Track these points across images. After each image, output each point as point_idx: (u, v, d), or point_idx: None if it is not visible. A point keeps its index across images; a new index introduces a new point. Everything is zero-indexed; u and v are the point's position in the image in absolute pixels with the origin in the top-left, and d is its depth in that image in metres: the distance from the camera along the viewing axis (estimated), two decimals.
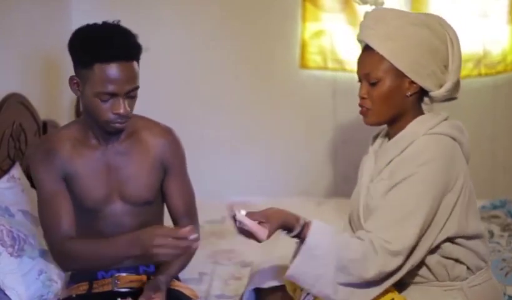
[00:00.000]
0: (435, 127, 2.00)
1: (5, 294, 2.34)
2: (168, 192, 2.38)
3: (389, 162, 2.02)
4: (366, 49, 2.03)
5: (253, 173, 4.03)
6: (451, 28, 2.04)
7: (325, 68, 3.93)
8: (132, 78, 2.12)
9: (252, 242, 3.12)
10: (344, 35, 3.87)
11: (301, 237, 1.94)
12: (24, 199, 2.66)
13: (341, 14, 3.85)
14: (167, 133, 2.35)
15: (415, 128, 2.01)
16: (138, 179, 2.29)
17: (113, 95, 2.11)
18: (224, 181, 3.96)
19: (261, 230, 1.94)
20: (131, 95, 2.14)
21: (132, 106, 2.17)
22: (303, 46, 3.92)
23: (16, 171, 2.76)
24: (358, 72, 2.05)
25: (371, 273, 1.90)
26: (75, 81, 2.16)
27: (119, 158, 2.28)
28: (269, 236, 1.94)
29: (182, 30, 3.93)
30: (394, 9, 2.07)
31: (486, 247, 2.07)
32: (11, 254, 2.38)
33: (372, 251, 1.89)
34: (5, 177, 2.70)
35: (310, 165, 3.99)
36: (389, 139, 2.10)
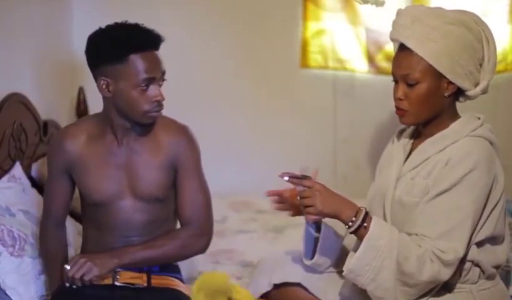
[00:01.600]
0: (477, 130, 2.00)
1: (6, 294, 2.34)
2: (178, 192, 2.38)
3: (427, 159, 2.02)
4: (403, 49, 2.01)
5: (252, 172, 4.03)
6: (486, 25, 2.02)
7: (326, 67, 3.92)
8: (161, 63, 2.26)
9: (252, 241, 3.14)
10: (345, 34, 3.86)
11: (363, 226, 1.93)
12: (25, 198, 2.67)
13: (341, 13, 3.84)
14: (181, 131, 2.38)
15: (458, 128, 2.01)
16: (149, 175, 2.31)
17: (150, 80, 2.20)
18: (224, 180, 3.95)
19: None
20: (161, 82, 2.26)
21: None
22: (304, 45, 3.91)
23: (17, 171, 2.77)
24: (394, 73, 2.03)
25: (424, 277, 1.91)
26: (104, 82, 2.20)
27: (133, 155, 2.31)
28: (316, 212, 1.97)
29: (182, 30, 3.92)
30: (428, 7, 2.05)
31: (506, 252, 2.07)
32: (12, 254, 2.38)
33: (428, 259, 1.91)
34: (6, 177, 2.70)
35: (309, 164, 3.98)
36: (420, 136, 2.10)
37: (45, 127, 3.14)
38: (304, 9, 3.87)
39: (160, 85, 2.25)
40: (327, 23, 3.87)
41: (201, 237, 2.40)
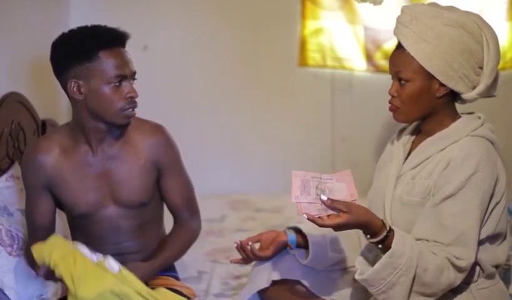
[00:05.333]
0: (478, 129, 1.99)
1: (4, 293, 2.34)
2: (165, 189, 2.40)
3: (427, 158, 2.02)
4: (399, 47, 2.01)
5: (252, 171, 4.03)
6: (489, 28, 1.99)
7: (324, 66, 3.93)
8: (131, 62, 2.23)
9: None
10: (343, 32, 3.86)
11: (385, 243, 1.91)
12: (23, 198, 2.66)
13: (340, 12, 3.84)
14: (157, 132, 2.36)
15: (459, 128, 2.00)
16: (130, 181, 2.30)
17: (123, 78, 2.18)
18: (223, 179, 3.96)
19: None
20: (132, 81, 2.23)
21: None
22: (302, 44, 3.91)
23: (15, 170, 2.76)
24: (389, 69, 2.04)
25: (442, 286, 1.92)
26: (75, 84, 2.19)
27: (110, 162, 2.29)
28: (343, 225, 1.90)
29: (180, 29, 3.93)
30: (432, 6, 2.02)
31: (506, 251, 2.06)
32: (10, 254, 2.38)
33: (445, 267, 1.91)
34: (4, 177, 2.70)
35: (308, 163, 3.98)
36: (420, 134, 2.10)
37: (43, 126, 3.13)
38: (302, 7, 3.87)
39: (131, 84, 2.23)
40: (325, 21, 3.87)
41: (199, 222, 2.47)
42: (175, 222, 2.45)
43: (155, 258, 2.34)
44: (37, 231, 2.35)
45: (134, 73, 2.23)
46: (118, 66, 2.18)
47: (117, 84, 2.18)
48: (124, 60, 2.20)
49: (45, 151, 2.29)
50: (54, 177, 2.29)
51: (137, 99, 2.23)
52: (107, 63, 2.17)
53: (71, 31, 2.23)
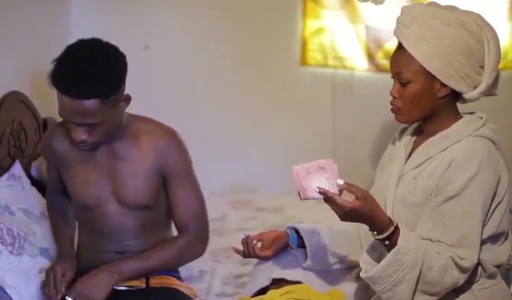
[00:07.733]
0: (479, 129, 1.99)
1: (6, 293, 2.34)
2: (171, 199, 2.35)
3: (429, 158, 2.01)
4: (400, 47, 2.00)
5: (252, 170, 4.03)
6: (490, 28, 1.98)
7: (325, 65, 3.92)
8: (85, 115, 2.07)
9: None
10: (344, 32, 3.86)
11: (391, 240, 1.91)
12: (24, 197, 2.66)
13: (341, 11, 3.83)
14: (168, 136, 2.31)
15: (460, 128, 2.00)
16: (133, 183, 2.28)
17: (69, 121, 2.12)
18: (224, 179, 3.96)
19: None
20: (91, 127, 2.11)
21: (95, 135, 2.13)
22: (303, 43, 3.91)
23: (16, 169, 2.76)
24: (390, 70, 2.03)
25: (446, 285, 1.92)
26: None
27: (117, 161, 2.28)
28: (352, 211, 1.90)
29: (181, 28, 3.92)
30: (432, 6, 2.01)
31: (508, 251, 2.06)
32: (11, 253, 2.38)
33: (449, 266, 1.91)
34: (6, 175, 2.70)
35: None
36: (421, 134, 2.09)
37: (44, 125, 3.14)
38: (303, 6, 3.86)
39: (94, 129, 2.11)
40: (327, 21, 3.86)
41: (197, 243, 2.38)
42: (178, 235, 2.39)
43: (134, 259, 2.31)
44: (52, 192, 2.49)
45: (85, 124, 2.10)
46: (62, 110, 2.10)
47: (68, 122, 2.14)
48: (69, 110, 2.08)
49: (58, 137, 2.33)
50: (62, 162, 2.34)
51: (94, 140, 2.15)
52: (58, 100, 2.10)
53: (68, 50, 2.13)
